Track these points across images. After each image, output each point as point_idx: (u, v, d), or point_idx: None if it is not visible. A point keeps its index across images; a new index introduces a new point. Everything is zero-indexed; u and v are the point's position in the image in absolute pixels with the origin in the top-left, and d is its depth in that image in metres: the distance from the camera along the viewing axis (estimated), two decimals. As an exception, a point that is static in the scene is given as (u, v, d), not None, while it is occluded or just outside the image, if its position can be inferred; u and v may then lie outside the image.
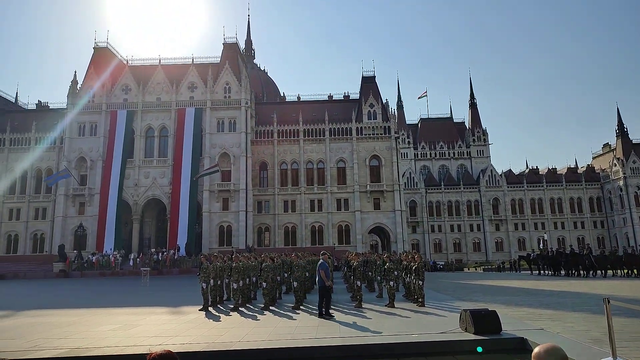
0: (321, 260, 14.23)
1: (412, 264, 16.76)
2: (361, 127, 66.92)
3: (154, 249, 56.84)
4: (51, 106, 74.10)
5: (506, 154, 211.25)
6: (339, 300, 17.82)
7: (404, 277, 18.48)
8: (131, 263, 52.20)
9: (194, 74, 65.12)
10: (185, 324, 12.92)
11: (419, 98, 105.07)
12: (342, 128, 66.92)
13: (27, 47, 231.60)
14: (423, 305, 15.44)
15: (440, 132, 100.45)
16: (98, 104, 63.92)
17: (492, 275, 47.30)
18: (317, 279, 14.12)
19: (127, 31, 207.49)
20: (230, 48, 68.91)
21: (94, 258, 52.74)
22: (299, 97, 77.48)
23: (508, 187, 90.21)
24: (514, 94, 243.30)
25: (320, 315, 13.36)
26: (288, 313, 14.66)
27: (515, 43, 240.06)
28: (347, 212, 64.48)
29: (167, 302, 19.31)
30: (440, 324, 11.50)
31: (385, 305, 15.67)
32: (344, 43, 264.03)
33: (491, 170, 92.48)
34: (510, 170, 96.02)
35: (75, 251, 55.82)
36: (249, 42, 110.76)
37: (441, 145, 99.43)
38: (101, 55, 67.70)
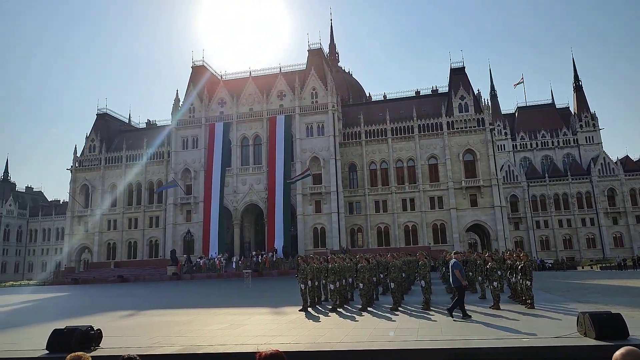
0: (454, 260, 14.11)
1: (517, 262, 15.69)
2: (452, 121, 64.33)
3: (254, 252, 59.79)
4: (158, 124, 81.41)
5: (621, 140, 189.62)
6: (439, 302, 17.23)
7: (509, 277, 17.36)
8: (234, 266, 55.36)
9: (282, 83, 67.52)
10: (287, 324, 13.34)
11: (515, 86, 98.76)
12: (432, 123, 64.89)
13: (135, 72, 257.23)
14: (532, 307, 14.37)
15: (541, 120, 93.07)
16: (198, 119, 68.96)
17: (611, 274, 42.70)
18: (451, 279, 14.06)
19: (219, 47, 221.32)
20: (314, 54, 70.38)
21: (201, 261, 56.85)
22: (385, 96, 76.71)
23: (626, 176, 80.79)
24: (623, 73, 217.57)
25: (464, 315, 12.93)
26: (386, 314, 14.49)
27: (618, 15, 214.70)
28: (442, 210, 62.29)
29: (269, 303, 20.13)
30: (554, 327, 10.58)
31: (490, 307, 14.85)
32: (430, 36, 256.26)
33: (604, 157, 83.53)
34: (627, 156, 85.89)
35: (185, 255, 60.68)
36: (332, 46, 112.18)
37: (543, 134, 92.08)
38: (198, 73, 72.98)
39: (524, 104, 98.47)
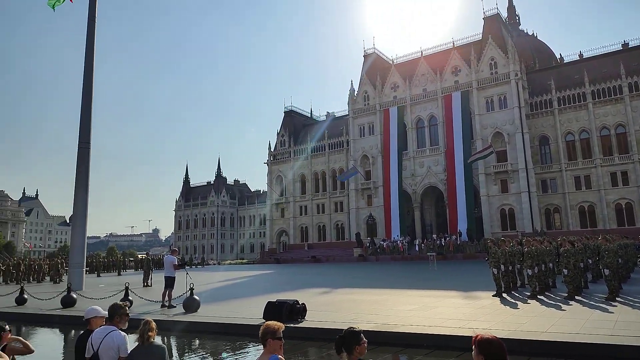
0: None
1: None
2: (677, 74, 51.99)
3: (436, 235, 58.73)
4: (337, 114, 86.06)
5: None
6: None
7: None
8: (417, 248, 55.37)
9: (456, 57, 64.13)
10: (481, 309, 12.72)
11: None
12: (648, 80, 53.53)
13: (312, 68, 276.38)
14: None
15: None
16: (372, 106, 70.53)
17: None
18: None
19: (389, 32, 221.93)
20: (491, 21, 64.82)
21: (385, 244, 58.43)
22: (580, 55, 66.19)
23: None
24: None
25: None
26: (601, 305, 12.61)
27: None
28: (667, 183, 51.19)
29: (458, 287, 19.51)
30: None
31: None
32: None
33: None
34: None
35: (368, 238, 63.21)
36: (511, 8, 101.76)
37: None
38: (370, 60, 74.47)
39: None
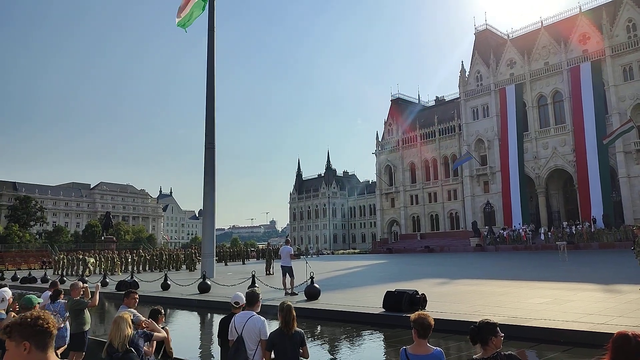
0: None
1: None
2: None
3: (566, 222, 53.46)
4: (447, 99, 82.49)
5: None
6: None
7: None
8: (542, 237, 51.04)
9: (584, 23, 57.29)
10: (627, 304, 11.29)
11: None
12: None
13: (418, 53, 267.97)
14: None
15: None
16: (486, 86, 66.24)
17: None
18: None
19: (501, 5, 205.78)
20: (626, -23, 56.54)
21: (505, 233, 54.83)
22: None
23: None
24: None
25: None
26: None
27: None
28: None
29: (594, 279, 17.56)
30: None
31: None
32: None
33: None
34: None
35: (486, 227, 59.82)
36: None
37: None
38: (482, 38, 69.92)
39: None
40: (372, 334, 10.98)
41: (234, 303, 5.54)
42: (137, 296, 6.39)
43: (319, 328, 12.24)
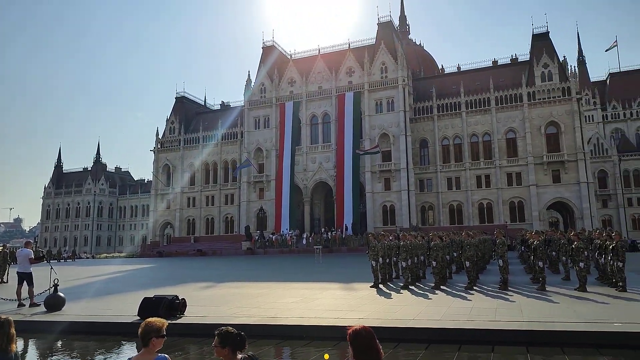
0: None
1: (608, 242, 14.48)
2: (533, 92, 60.02)
3: (324, 229, 60.70)
4: (232, 105, 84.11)
5: None
6: (517, 282, 16.48)
7: (598, 258, 16.14)
8: (304, 242, 56.65)
9: (351, 59, 66.68)
10: (359, 300, 13.41)
11: (606, 50, 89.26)
12: (510, 95, 60.99)
13: (208, 55, 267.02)
14: (624, 290, 13.25)
15: (636, 87, 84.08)
16: (269, 99, 70.31)
17: None
18: None
19: (289, 26, 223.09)
20: (384, 27, 68.52)
21: (273, 237, 58.79)
22: (458, 67, 73.18)
23: None
24: None
25: None
26: (461, 293, 14.09)
27: None
28: (520, 187, 58.95)
29: (340, 279, 20.36)
30: (653, 313, 9.66)
31: (575, 289, 13.92)
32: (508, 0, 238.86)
33: None
34: None
35: (258, 231, 63.06)
36: (402, 18, 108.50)
37: (639, 102, 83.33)
38: (268, 53, 74.00)
39: (616, 70, 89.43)
40: (120, 347, 10.08)
41: None
42: None
43: (59, 344, 10.64)
